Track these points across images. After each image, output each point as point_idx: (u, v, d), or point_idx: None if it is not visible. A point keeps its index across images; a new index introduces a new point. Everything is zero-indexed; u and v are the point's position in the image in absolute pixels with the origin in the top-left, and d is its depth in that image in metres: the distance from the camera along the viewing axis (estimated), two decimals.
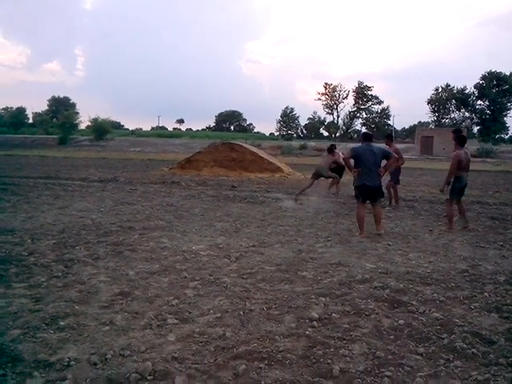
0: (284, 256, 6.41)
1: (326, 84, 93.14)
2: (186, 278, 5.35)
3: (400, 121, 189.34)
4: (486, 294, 4.89)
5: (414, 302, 4.63)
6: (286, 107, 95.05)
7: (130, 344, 3.61)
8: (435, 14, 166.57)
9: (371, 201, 8.19)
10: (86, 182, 16.19)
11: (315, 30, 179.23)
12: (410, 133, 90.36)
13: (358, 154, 7.96)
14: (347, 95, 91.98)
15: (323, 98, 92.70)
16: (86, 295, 4.70)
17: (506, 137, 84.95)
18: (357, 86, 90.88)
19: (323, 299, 4.67)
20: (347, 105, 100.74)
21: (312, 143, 65.51)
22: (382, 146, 9.99)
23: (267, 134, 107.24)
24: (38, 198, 12.03)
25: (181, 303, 4.53)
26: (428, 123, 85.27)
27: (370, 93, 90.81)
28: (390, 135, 13.09)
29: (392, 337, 3.85)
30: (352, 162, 8.12)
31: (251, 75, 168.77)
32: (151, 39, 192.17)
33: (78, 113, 77.10)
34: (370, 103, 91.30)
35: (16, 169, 21.48)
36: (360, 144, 8.22)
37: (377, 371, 3.26)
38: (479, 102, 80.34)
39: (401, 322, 4.13)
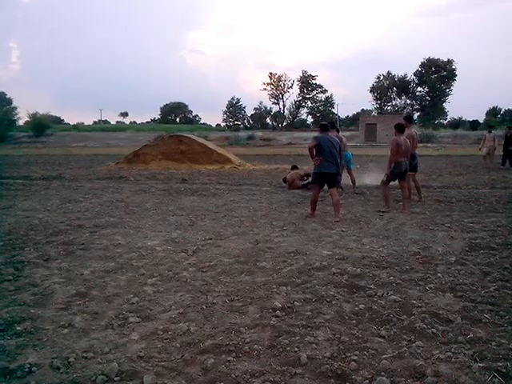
0: (241, 247, 6.40)
1: (270, 74, 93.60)
2: (143, 274, 5.24)
3: (344, 109, 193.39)
4: (439, 274, 5.08)
5: (371, 286, 4.74)
6: (233, 98, 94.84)
7: (93, 345, 3.50)
8: (375, 3, 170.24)
9: (329, 187, 8.61)
10: (29, 180, 15.55)
11: (258, 19, 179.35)
12: (353, 121, 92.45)
13: (319, 143, 8.48)
14: (292, 85, 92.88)
15: (268, 87, 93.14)
16: (40, 298, 4.51)
17: (445, 122, 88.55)
18: (301, 75, 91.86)
19: (284, 288, 4.70)
20: (292, 94, 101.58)
21: (259, 133, 65.83)
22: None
23: (214, 126, 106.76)
24: None
25: (141, 301, 4.43)
26: (371, 111, 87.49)
27: (314, 82, 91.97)
28: (333, 123, 13.10)
29: (354, 321, 3.93)
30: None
31: (195, 66, 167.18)
32: (89, 30, 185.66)
33: (15, 108, 73.64)
34: (315, 92, 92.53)
35: None
36: (319, 134, 8.75)
37: (343, 356, 3.32)
38: (419, 88, 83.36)
39: (361, 306, 4.22)
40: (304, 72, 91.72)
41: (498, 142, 20.50)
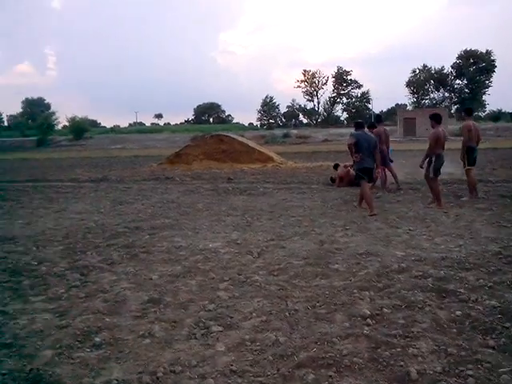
0: (308, 248, 6.12)
1: (304, 71, 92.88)
2: (213, 279, 5.02)
3: (379, 104, 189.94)
4: None
5: (461, 290, 4.38)
6: (266, 96, 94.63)
7: (179, 358, 3.29)
8: None
9: (369, 182, 9.00)
10: (77, 183, 15.69)
11: (288, 17, 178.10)
12: (388, 115, 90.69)
13: (358, 140, 8.68)
14: (326, 81, 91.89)
15: (302, 85, 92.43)
16: (113, 305, 4.35)
17: (483, 114, 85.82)
18: (336, 71, 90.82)
19: (367, 293, 4.40)
20: (327, 91, 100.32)
21: (294, 131, 65.34)
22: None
23: (246, 125, 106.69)
24: (30, 202, 11.55)
25: (218, 307, 4.21)
26: (405, 105, 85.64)
27: (349, 77, 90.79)
28: (379, 117, 12.57)
29: (455, 330, 3.59)
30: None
31: (226, 66, 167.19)
32: (120, 34, 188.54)
33: (54, 113, 75.50)
34: (350, 88, 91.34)
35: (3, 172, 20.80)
36: (356, 131, 9.03)
37: (456, 371, 2.99)
38: (457, 81, 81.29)
39: (458, 312, 3.87)
40: (339, 68, 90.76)
41: None
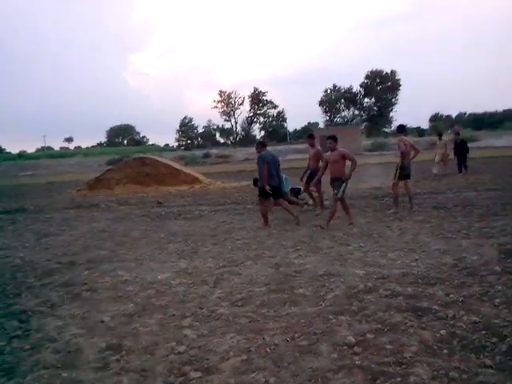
0: (265, 273, 5.84)
1: (220, 91, 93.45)
2: (174, 315, 4.58)
3: (294, 123, 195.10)
4: (497, 287, 4.70)
5: (436, 307, 4.30)
6: (185, 117, 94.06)
7: None
8: (315, 19, 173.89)
9: (274, 198, 9.57)
10: None
11: (199, 39, 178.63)
12: (301, 133, 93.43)
13: (267, 162, 9.22)
14: (243, 101, 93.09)
15: (219, 105, 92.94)
16: (67, 356, 3.78)
17: (390, 130, 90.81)
18: (252, 91, 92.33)
19: (343, 318, 4.18)
20: (244, 111, 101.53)
21: (214, 151, 65.29)
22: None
23: (162, 146, 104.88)
24: None
25: (189, 349, 3.79)
26: (317, 123, 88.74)
27: (264, 98, 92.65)
28: (311, 135, 12.42)
29: (446, 351, 3.45)
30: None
31: (138, 87, 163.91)
32: (21, 54, 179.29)
33: None
34: (266, 108, 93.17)
35: None
36: (261, 152, 9.47)
37: None
38: (366, 99, 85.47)
39: (442, 332, 3.75)
40: (255, 89, 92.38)
41: (449, 149, 19.64)
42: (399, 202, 10.48)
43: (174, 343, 3.91)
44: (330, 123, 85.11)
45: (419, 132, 77.47)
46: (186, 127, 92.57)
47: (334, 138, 9.22)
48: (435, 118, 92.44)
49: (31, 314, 4.85)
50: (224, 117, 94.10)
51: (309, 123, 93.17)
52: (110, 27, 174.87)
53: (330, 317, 4.23)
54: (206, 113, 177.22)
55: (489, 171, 18.62)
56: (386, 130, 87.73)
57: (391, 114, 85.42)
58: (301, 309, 4.52)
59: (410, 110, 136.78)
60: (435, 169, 18.58)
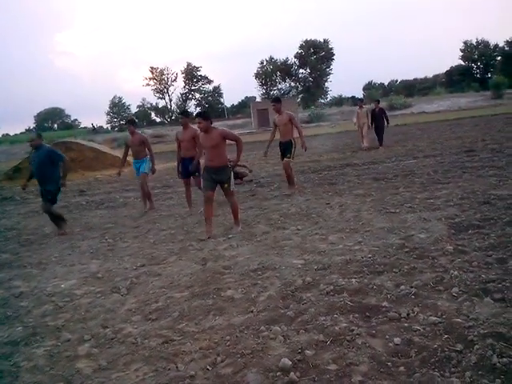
0: (189, 272, 4.98)
1: (152, 68, 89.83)
2: (69, 341, 3.64)
3: (231, 97, 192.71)
4: (452, 272, 4.06)
5: (386, 304, 3.61)
6: (114, 97, 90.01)
7: None
8: None
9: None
10: None
11: (128, 16, 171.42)
12: (239, 108, 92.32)
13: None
14: (176, 77, 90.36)
15: (151, 82, 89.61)
16: None
17: (326, 101, 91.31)
18: (185, 67, 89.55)
19: (278, 329, 3.40)
20: (178, 87, 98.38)
21: (149, 131, 62.98)
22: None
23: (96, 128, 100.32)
24: None
25: None
26: (255, 97, 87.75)
27: (199, 73, 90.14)
28: (278, 98, 9.76)
29: (403, 369, 2.75)
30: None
31: (66, 68, 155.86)
32: None
33: None
34: (201, 83, 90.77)
35: None
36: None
37: None
38: (301, 70, 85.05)
39: (396, 340, 3.05)
40: (188, 64, 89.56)
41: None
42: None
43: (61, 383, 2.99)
44: (266, 96, 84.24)
45: (354, 101, 78.31)
46: (116, 107, 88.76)
47: (277, 100, 9.15)
48: (369, 87, 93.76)
49: None
50: (157, 94, 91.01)
51: (246, 97, 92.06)
52: (31, 4, 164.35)
53: (262, 328, 3.44)
54: (139, 91, 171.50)
55: (424, 137, 18.51)
56: (322, 100, 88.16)
57: (326, 85, 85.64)
58: (227, 318, 3.71)
59: (345, 79, 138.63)
60: (366, 141, 16.21)
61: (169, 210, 8.89)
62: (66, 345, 3.57)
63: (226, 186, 6.52)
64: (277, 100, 9.31)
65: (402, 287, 3.88)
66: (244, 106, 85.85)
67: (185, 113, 9.28)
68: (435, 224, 5.71)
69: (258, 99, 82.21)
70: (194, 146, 8.32)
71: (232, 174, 6.60)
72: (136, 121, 10.30)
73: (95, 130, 63.08)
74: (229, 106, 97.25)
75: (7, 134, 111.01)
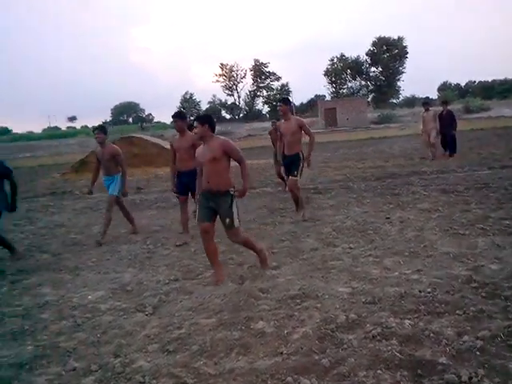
0: (222, 292, 4.50)
1: (222, 65, 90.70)
2: (75, 370, 3.26)
3: (299, 96, 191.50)
4: None
5: (443, 360, 2.94)
6: (186, 93, 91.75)
7: None
8: None
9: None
10: None
11: (203, 12, 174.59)
12: (308, 107, 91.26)
13: None
14: (245, 74, 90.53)
15: (221, 79, 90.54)
16: None
17: (398, 101, 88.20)
18: (253, 64, 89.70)
19: (307, 382, 2.84)
20: (246, 84, 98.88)
21: (217, 127, 63.67)
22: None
23: (168, 123, 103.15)
24: None
25: None
26: (324, 96, 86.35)
27: (267, 70, 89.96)
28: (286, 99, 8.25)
29: None
30: None
31: (141, 63, 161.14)
32: (28, 36, 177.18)
33: None
34: (269, 80, 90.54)
35: None
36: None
37: None
38: (373, 68, 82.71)
39: None
40: (256, 60, 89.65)
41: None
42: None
43: None
44: (336, 95, 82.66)
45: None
46: (187, 103, 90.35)
47: (285, 101, 7.52)
48: (444, 87, 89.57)
49: None
50: (227, 91, 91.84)
51: (316, 95, 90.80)
52: (111, 1, 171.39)
53: (289, 379, 2.89)
54: (210, 88, 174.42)
55: (502, 144, 17.02)
56: (394, 100, 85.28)
57: (398, 84, 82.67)
58: (252, 360, 3.18)
59: (418, 79, 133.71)
60: (433, 150, 14.23)
61: None
62: (70, 375, 3.19)
63: (226, 220, 4.88)
64: (285, 101, 7.56)
65: (466, 338, 3.18)
66: (313, 104, 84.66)
67: (179, 115, 6.94)
68: (511, 253, 4.89)
69: (328, 98, 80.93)
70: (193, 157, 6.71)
71: (235, 204, 4.92)
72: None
73: (142, 127, 64.40)
74: (297, 104, 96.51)
75: (86, 126, 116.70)
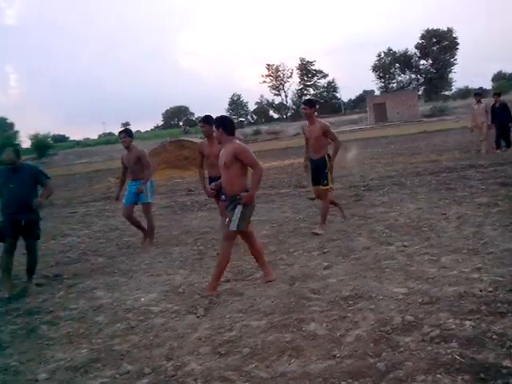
0: (273, 294, 4.44)
1: (268, 65, 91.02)
2: (128, 373, 3.29)
3: (347, 92, 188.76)
4: None
5: (508, 363, 2.77)
6: (233, 94, 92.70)
7: None
8: None
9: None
10: None
11: (247, 14, 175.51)
12: (356, 103, 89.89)
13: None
14: (291, 73, 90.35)
15: (268, 79, 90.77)
16: None
17: (450, 93, 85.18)
18: (299, 62, 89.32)
19: None
20: (293, 83, 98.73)
21: (265, 127, 63.77)
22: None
23: None
24: None
25: None
26: (373, 91, 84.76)
27: (313, 68, 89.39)
28: (311, 100, 7.59)
29: None
30: None
31: (190, 67, 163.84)
32: (82, 46, 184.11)
33: (17, 132, 72.61)
34: (316, 78, 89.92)
35: None
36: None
37: None
38: (422, 61, 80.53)
39: None
40: (301, 59, 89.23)
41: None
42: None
43: None
44: (385, 90, 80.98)
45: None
46: (235, 104, 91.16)
47: (310, 104, 6.77)
48: (498, 78, 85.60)
49: None
50: (274, 91, 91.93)
51: (364, 91, 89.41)
52: (156, 8, 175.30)
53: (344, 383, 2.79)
54: (256, 88, 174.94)
55: None
56: (446, 92, 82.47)
57: (450, 76, 79.99)
58: (304, 363, 3.10)
59: (472, 69, 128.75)
60: (485, 145, 13.53)
61: (268, 215, 8.42)
62: (124, 378, 3.22)
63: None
64: (309, 103, 6.83)
65: None
66: (362, 100, 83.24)
67: (205, 119, 6.33)
68: None
69: (377, 93, 79.41)
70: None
71: (240, 209, 4.62)
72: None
73: (186, 131, 65.27)
74: (346, 100, 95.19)
75: (138, 131, 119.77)
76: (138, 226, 7.33)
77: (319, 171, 6.61)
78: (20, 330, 4.36)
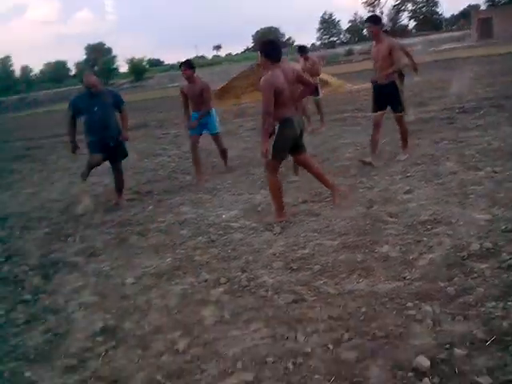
0: (349, 215, 4.46)
1: None
2: (206, 281, 3.55)
3: (450, 8, 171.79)
4: None
5: None
6: (324, 13, 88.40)
7: None
8: None
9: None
10: None
11: None
12: (460, 18, 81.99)
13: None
14: None
15: None
16: (50, 342, 3.01)
17: None
18: None
19: (429, 309, 2.72)
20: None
21: (357, 47, 60.66)
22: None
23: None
24: (56, 162, 10.58)
25: (191, 347, 2.73)
26: (478, 5, 76.42)
27: None
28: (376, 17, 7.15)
29: None
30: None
31: None
32: None
33: (115, 57, 75.59)
34: None
35: (50, 126, 20.19)
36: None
37: None
38: None
39: None
40: None
41: None
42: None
43: (179, 333, 2.89)
44: (492, 3, 72.67)
45: None
46: (326, 23, 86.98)
47: (373, 20, 6.10)
48: None
49: (61, 267, 4.22)
50: (368, 7, 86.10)
51: (469, 5, 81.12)
52: None
53: (410, 304, 2.81)
54: (350, 5, 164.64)
55: None
56: None
57: None
58: (372, 283, 3.15)
59: None
60: None
61: (353, 137, 8.24)
62: (202, 286, 3.48)
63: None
64: (373, 20, 6.16)
65: None
66: (467, 15, 75.83)
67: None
68: None
69: (483, 7, 71.61)
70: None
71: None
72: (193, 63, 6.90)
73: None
74: (448, 16, 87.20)
75: (230, 54, 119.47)
76: (197, 162, 6.99)
77: (392, 97, 6.10)
78: (113, 240, 4.79)
